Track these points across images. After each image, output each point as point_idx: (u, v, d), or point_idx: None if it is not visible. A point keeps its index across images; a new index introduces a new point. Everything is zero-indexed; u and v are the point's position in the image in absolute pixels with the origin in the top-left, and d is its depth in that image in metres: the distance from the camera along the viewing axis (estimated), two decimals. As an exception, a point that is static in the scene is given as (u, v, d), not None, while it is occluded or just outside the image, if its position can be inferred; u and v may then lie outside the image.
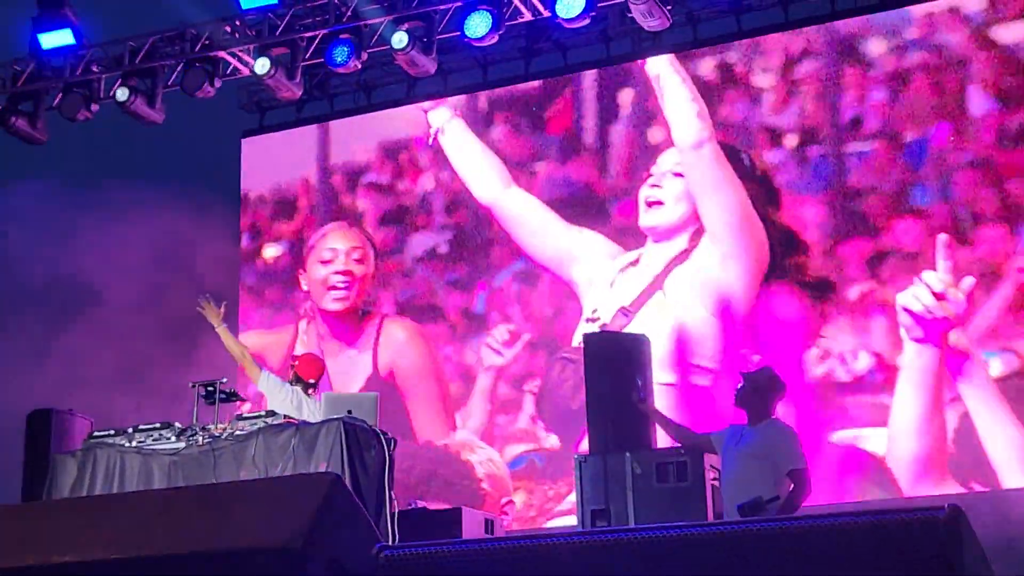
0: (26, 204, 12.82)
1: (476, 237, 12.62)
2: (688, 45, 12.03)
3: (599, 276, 11.87)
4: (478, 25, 10.42)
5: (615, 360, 8.48)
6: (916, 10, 11.30)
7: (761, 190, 11.48)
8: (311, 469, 7.40)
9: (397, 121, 13.16)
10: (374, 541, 5.11)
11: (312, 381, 8.67)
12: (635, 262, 11.75)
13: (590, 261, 11.98)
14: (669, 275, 11.55)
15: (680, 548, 4.26)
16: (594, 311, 11.66)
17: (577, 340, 11.32)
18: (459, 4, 10.60)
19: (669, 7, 10.48)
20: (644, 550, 4.57)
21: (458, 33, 10.65)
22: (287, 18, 11.13)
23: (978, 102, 11.02)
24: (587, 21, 10.46)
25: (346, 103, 13.55)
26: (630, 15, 10.56)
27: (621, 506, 7.96)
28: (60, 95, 11.65)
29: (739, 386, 6.88)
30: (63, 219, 12.82)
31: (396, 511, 7.67)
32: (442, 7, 10.70)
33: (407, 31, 10.60)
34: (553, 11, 10.28)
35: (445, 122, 12.80)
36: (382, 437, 7.75)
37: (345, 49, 10.90)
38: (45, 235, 12.99)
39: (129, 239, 12.78)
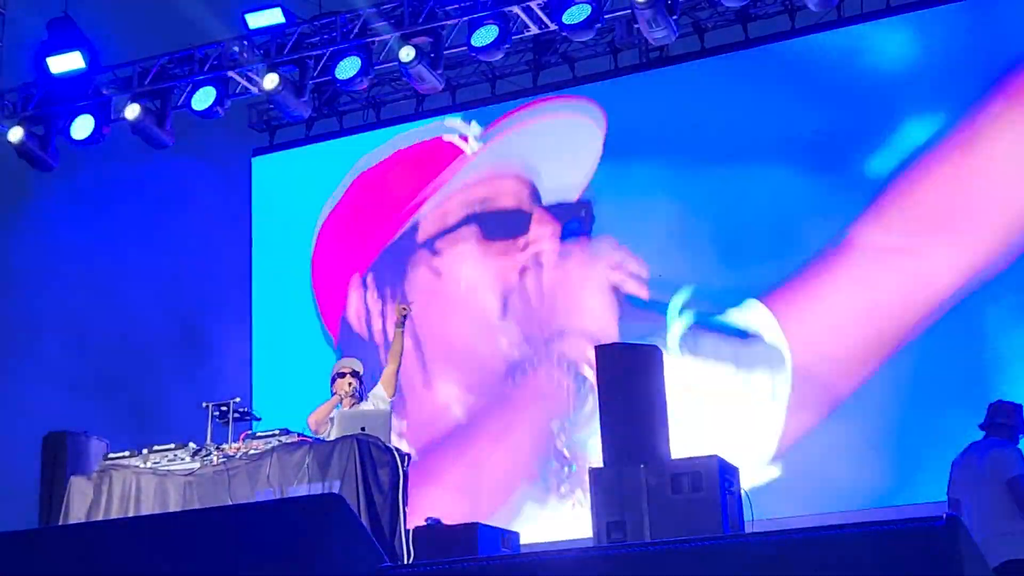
0: (39, 227, 12.84)
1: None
2: (695, 55, 12.03)
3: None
4: (484, 37, 10.47)
5: (628, 371, 8.45)
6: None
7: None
8: (325, 487, 7.36)
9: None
10: (380, 561, 5.08)
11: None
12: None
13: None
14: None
15: (690, 561, 4.25)
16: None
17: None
18: (466, 19, 10.62)
19: (675, 17, 10.46)
20: (657, 563, 4.56)
21: (465, 48, 10.69)
22: (295, 36, 11.16)
23: None
24: (592, 33, 10.47)
25: (355, 120, 13.58)
26: (637, 26, 10.55)
27: (637, 517, 7.93)
28: (70, 118, 11.69)
29: None
30: (75, 243, 12.83)
31: (411, 527, 7.65)
32: (449, 22, 10.73)
33: (414, 46, 10.62)
34: (560, 20, 10.27)
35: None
36: (396, 453, 7.72)
37: (353, 66, 10.93)
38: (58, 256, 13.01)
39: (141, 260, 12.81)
